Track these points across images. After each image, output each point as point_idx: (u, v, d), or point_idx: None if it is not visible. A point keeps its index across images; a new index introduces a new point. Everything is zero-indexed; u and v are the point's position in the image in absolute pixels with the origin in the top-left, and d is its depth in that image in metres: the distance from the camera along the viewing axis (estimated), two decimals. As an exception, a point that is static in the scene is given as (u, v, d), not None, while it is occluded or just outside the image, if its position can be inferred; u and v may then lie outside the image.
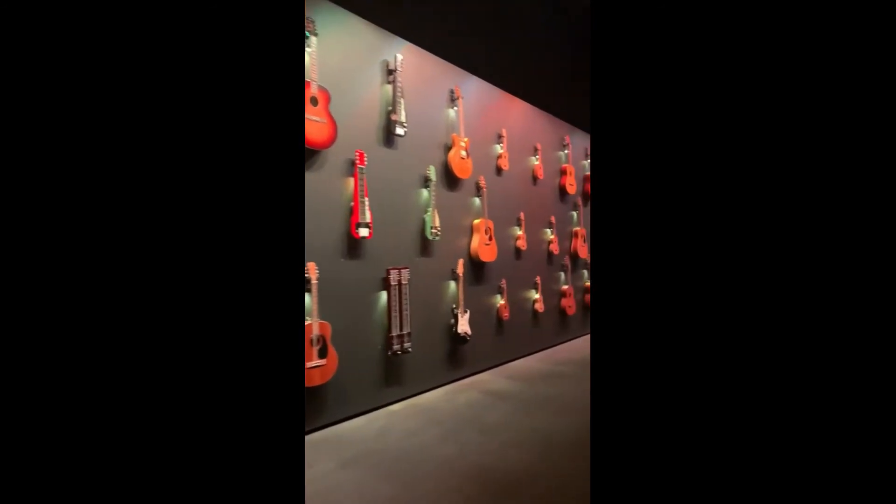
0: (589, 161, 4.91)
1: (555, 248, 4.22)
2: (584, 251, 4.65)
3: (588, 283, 4.81)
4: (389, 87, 2.63)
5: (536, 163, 4.02)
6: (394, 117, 2.59)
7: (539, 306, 3.95)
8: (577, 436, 2.15)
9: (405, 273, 2.63)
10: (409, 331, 2.63)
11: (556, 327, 4.29)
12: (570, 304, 4.38)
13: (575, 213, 4.67)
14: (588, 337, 4.69)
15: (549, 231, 4.22)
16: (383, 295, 2.57)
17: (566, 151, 4.48)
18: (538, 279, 3.98)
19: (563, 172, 4.43)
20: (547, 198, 4.23)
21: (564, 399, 2.69)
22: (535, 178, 4.03)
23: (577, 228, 4.61)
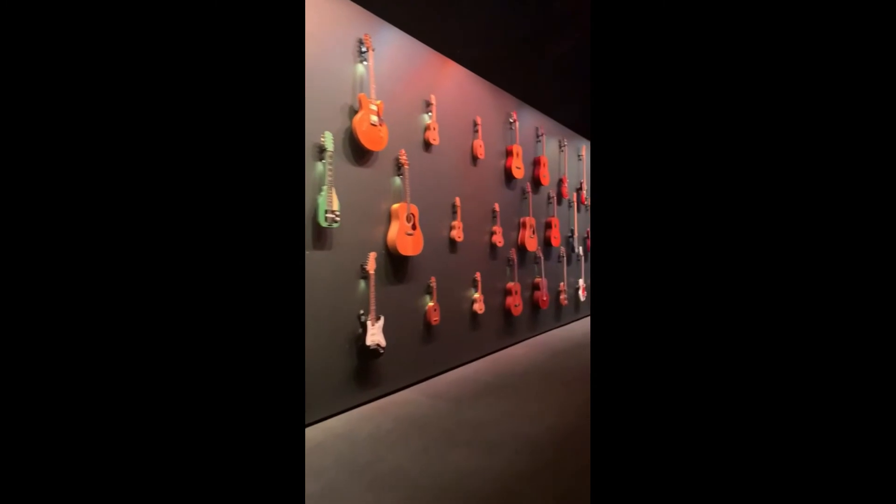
0: (540, 142, 4.39)
1: (498, 239, 3.68)
2: (532, 244, 4.13)
3: (538, 279, 4.31)
4: (262, 23, 1.97)
5: (476, 140, 3.45)
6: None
7: (479, 307, 3.40)
8: (502, 489, 1.59)
9: (285, 271, 2.00)
10: (289, 347, 2.00)
11: (499, 330, 3.76)
12: (516, 304, 3.86)
13: (524, 201, 4.14)
14: (537, 339, 4.20)
15: (491, 220, 3.67)
16: (252, 300, 1.92)
17: (513, 129, 3.93)
18: (478, 276, 3.42)
19: (509, 153, 3.88)
20: (489, 182, 3.67)
21: (498, 425, 2.15)
22: (474, 158, 3.46)
23: (526, 218, 4.08)
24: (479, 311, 3.41)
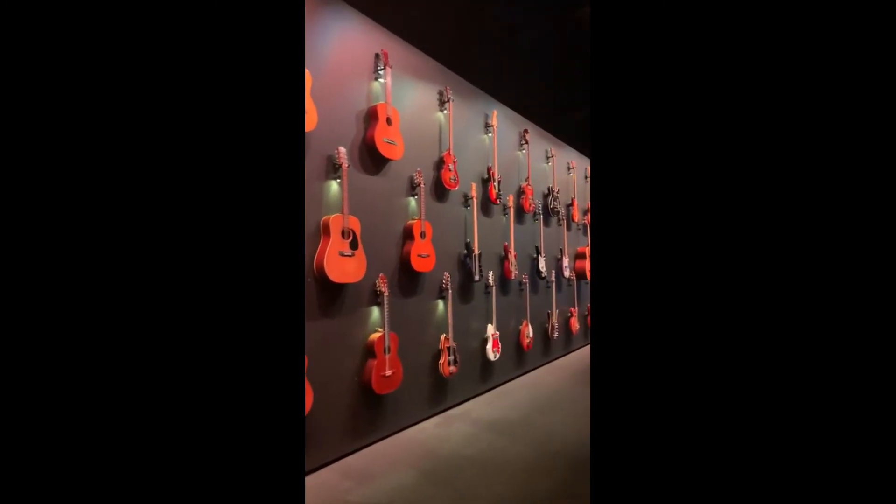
0: (382, 79, 2.38)
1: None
2: (344, 267, 2.06)
3: (375, 336, 2.22)
4: None
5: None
6: None
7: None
8: None
9: None
10: None
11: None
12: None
13: (335, 182, 2.10)
14: (362, 456, 2.07)
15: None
16: None
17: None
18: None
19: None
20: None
21: None
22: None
23: (330, 217, 2.02)
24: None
